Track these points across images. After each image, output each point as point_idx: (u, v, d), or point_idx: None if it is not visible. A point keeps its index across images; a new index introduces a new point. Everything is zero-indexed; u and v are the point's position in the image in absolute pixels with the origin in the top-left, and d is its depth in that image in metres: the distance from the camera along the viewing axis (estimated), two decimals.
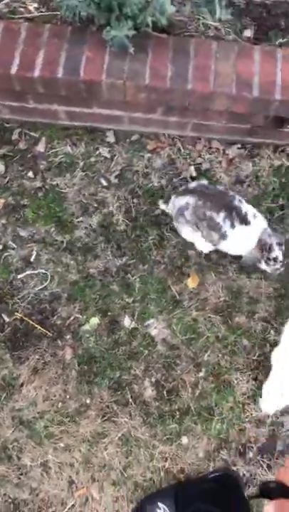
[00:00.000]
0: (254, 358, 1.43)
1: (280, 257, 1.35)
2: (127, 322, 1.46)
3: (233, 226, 1.34)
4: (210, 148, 1.65)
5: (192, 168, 1.63)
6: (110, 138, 1.66)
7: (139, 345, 1.43)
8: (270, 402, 1.33)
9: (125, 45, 1.47)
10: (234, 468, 1.33)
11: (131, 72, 1.47)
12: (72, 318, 1.45)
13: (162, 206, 1.51)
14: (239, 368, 1.42)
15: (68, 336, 1.43)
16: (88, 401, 1.37)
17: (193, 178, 1.62)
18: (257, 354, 1.44)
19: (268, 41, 1.61)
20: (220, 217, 1.33)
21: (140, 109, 1.59)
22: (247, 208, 1.36)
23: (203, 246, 1.49)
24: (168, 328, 1.46)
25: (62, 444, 1.33)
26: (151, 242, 1.54)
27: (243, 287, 1.51)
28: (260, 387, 1.40)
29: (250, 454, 1.35)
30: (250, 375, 1.42)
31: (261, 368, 1.42)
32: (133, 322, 1.46)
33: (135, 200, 1.59)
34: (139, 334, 1.45)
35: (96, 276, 1.50)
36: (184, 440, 1.35)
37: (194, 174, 1.62)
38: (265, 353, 1.43)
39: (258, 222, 1.37)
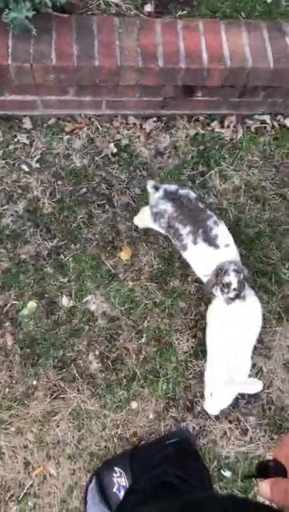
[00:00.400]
0: (191, 317, 1.47)
1: (234, 285, 1.24)
2: (64, 302, 1.45)
3: (195, 242, 1.29)
4: (127, 124, 1.66)
5: (112, 145, 1.63)
6: (27, 124, 1.62)
7: (80, 322, 1.43)
8: (214, 404, 1.31)
9: (27, 28, 1.43)
10: (184, 424, 1.37)
11: (36, 54, 1.44)
12: (9, 305, 1.42)
13: (149, 187, 1.38)
14: (178, 329, 1.46)
15: (7, 323, 1.40)
16: (35, 382, 1.35)
17: (114, 155, 1.62)
18: (193, 314, 1.48)
19: (168, 14, 1.63)
20: (184, 230, 1.29)
21: (52, 91, 1.56)
22: (220, 233, 1.30)
23: (143, 224, 1.48)
24: (106, 302, 1.46)
25: (13, 428, 1.31)
26: (81, 221, 1.54)
27: (174, 253, 1.54)
28: (199, 344, 1.44)
29: (198, 408, 1.39)
30: (189, 333, 1.45)
31: (199, 326, 1.46)
32: (71, 301, 1.45)
33: (59, 182, 1.57)
34: (78, 311, 1.44)
35: (28, 261, 1.47)
36: (134, 405, 1.37)
37: (115, 151, 1.62)
38: (201, 312, 1.48)
39: (228, 252, 1.30)
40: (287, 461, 0.51)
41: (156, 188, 1.34)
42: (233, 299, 1.25)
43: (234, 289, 1.24)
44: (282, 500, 0.49)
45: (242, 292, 1.26)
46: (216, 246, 1.29)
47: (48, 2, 1.45)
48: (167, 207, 1.31)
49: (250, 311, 1.30)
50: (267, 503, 0.54)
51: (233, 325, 1.28)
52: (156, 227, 1.40)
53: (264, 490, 0.51)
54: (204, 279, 1.35)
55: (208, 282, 1.30)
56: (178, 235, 1.32)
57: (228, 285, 1.24)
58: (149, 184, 1.36)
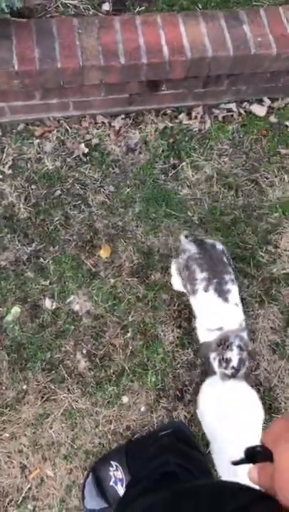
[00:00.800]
0: (174, 308, 1.46)
1: (235, 362, 1.14)
2: (48, 304, 1.43)
3: (206, 289, 1.21)
4: (96, 123, 1.64)
5: (82, 145, 1.61)
6: None
7: (65, 323, 1.41)
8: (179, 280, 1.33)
9: None
10: (176, 414, 1.36)
11: None
12: None
13: (183, 236, 1.35)
14: (163, 320, 1.45)
15: None
16: (25, 387, 1.34)
17: (85, 155, 1.60)
18: (176, 304, 1.47)
19: (126, 11, 1.61)
20: (200, 275, 1.22)
21: (18, 97, 1.53)
22: (234, 291, 1.22)
23: (178, 286, 1.40)
24: (89, 301, 1.45)
25: (6, 434, 1.29)
26: (58, 223, 1.52)
27: (152, 247, 1.53)
28: (184, 333, 1.43)
29: (188, 396, 1.39)
30: (174, 324, 1.45)
31: (183, 316, 1.46)
32: (54, 303, 1.43)
33: (33, 186, 1.55)
34: (63, 312, 1.42)
35: (8, 267, 1.45)
36: (125, 399, 1.36)
37: (86, 151, 1.61)
38: (184, 302, 1.47)
39: (236, 311, 1.22)
40: (274, 446, 0.51)
41: (187, 237, 1.32)
42: (228, 377, 1.16)
43: (233, 367, 1.15)
44: (268, 485, 0.49)
45: (240, 371, 1.16)
46: (226, 300, 1.21)
47: (4, 8, 1.42)
48: (191, 246, 1.27)
49: (245, 397, 1.19)
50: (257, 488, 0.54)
51: (230, 413, 1.15)
52: (175, 271, 1.34)
53: (252, 475, 0.51)
54: (202, 334, 1.26)
55: (207, 345, 1.21)
56: (192, 278, 1.25)
57: (227, 361, 1.15)
58: (183, 234, 1.34)
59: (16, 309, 1.41)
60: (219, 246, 1.29)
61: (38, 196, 1.54)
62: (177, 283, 1.40)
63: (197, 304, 1.27)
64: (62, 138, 1.62)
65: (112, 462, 1.25)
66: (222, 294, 1.21)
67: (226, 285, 1.22)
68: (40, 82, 1.48)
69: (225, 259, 1.27)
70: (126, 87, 1.57)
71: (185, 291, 1.33)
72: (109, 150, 1.63)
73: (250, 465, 0.54)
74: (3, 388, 1.33)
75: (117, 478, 1.23)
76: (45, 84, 1.49)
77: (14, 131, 1.60)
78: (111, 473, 1.23)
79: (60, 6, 1.60)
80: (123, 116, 1.67)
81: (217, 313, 1.22)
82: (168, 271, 1.51)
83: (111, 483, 1.21)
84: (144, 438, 1.30)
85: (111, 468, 1.24)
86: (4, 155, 1.57)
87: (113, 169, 1.62)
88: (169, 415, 1.36)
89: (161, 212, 1.58)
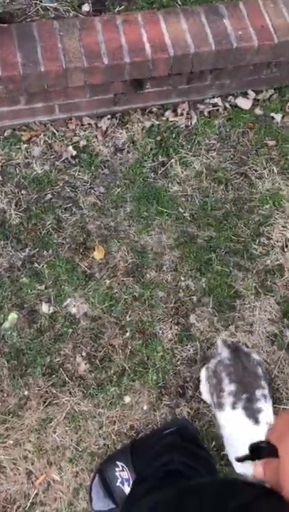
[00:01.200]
0: (171, 305, 1.44)
1: None
2: (45, 309, 1.40)
3: (234, 407, 1.08)
4: (82, 125, 1.61)
5: (70, 148, 1.58)
6: None
7: (63, 327, 1.39)
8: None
9: None
10: (178, 410, 1.34)
11: None
12: None
13: (220, 342, 1.24)
14: (160, 318, 1.43)
15: None
16: (26, 393, 1.31)
17: (74, 158, 1.57)
18: (173, 301, 1.45)
19: (107, 11, 1.58)
20: (228, 386, 1.08)
21: (3, 102, 1.50)
22: (265, 409, 1.08)
23: (206, 396, 1.29)
24: (86, 303, 1.42)
25: (11, 441, 1.26)
26: (50, 227, 1.49)
27: (146, 245, 1.51)
28: (182, 330, 1.41)
29: (190, 392, 1.37)
30: (171, 321, 1.42)
31: (180, 312, 1.43)
32: (51, 307, 1.40)
33: (23, 192, 1.52)
34: (60, 316, 1.40)
35: (3, 274, 1.42)
36: (127, 399, 1.34)
37: (74, 153, 1.58)
38: (180, 298, 1.45)
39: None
40: (279, 442, 0.50)
41: (225, 342, 1.22)
42: None
43: None
44: (274, 480, 0.48)
45: None
46: (256, 421, 1.06)
47: None
48: (224, 351, 1.16)
49: None
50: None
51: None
52: (205, 378, 1.23)
53: (257, 471, 0.51)
54: (237, 468, 1.08)
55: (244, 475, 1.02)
56: (219, 388, 1.12)
57: None
58: (221, 337, 1.23)
59: (12, 316, 1.38)
60: (255, 356, 1.17)
61: (28, 201, 1.51)
62: (205, 391, 1.27)
63: (224, 421, 1.13)
64: (49, 141, 1.58)
65: (117, 462, 1.23)
66: (252, 414, 1.07)
67: (256, 403, 1.07)
68: (25, 86, 1.45)
69: (260, 372, 1.13)
70: (110, 87, 1.54)
71: (211, 402, 1.20)
72: (97, 151, 1.60)
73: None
74: (5, 395, 1.30)
75: (124, 478, 1.20)
76: (30, 88, 1.46)
77: (1, 137, 1.57)
78: (117, 474, 1.21)
79: (40, 9, 1.57)
80: (109, 116, 1.64)
81: (246, 436, 1.05)
82: (162, 268, 1.49)
83: (118, 483, 1.19)
84: (148, 437, 1.28)
85: (117, 469, 1.21)
86: None
87: (102, 170, 1.59)
88: (172, 412, 1.34)
89: (152, 210, 1.56)
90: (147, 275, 1.48)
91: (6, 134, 1.58)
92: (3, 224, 1.47)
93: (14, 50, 1.44)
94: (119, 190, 1.57)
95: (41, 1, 1.57)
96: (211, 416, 1.35)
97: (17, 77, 1.41)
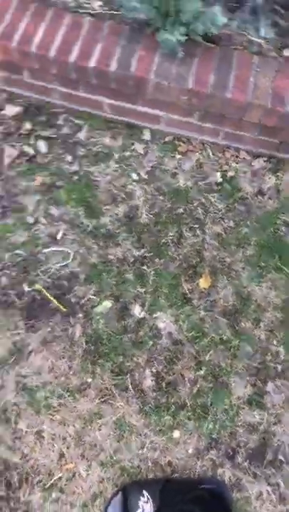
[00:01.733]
0: (254, 364, 1.34)
1: None
2: (137, 311, 1.38)
3: None
4: (237, 157, 1.58)
5: (218, 174, 1.56)
6: (146, 136, 1.60)
7: (145, 335, 1.36)
8: None
9: (175, 50, 1.42)
10: (221, 471, 1.23)
11: (177, 75, 1.42)
12: (86, 298, 1.39)
13: None
14: (238, 372, 1.34)
15: (80, 315, 1.37)
16: (90, 380, 1.30)
17: (217, 184, 1.55)
18: (258, 361, 1.35)
19: None
20: None
21: (179, 111, 1.52)
22: None
23: None
24: (175, 323, 1.38)
25: (58, 417, 1.26)
26: (170, 239, 1.47)
27: (252, 295, 1.43)
28: (256, 394, 1.31)
29: (239, 459, 1.26)
30: (248, 380, 1.33)
31: (259, 375, 1.33)
32: (143, 312, 1.38)
33: (161, 197, 1.52)
34: (147, 324, 1.37)
35: (114, 262, 1.43)
36: (176, 434, 1.27)
37: (220, 180, 1.55)
38: (265, 362, 1.34)
39: None
40: None
41: None
42: None
43: None
44: None
45: None
46: None
47: (200, 31, 1.42)
48: None
49: None
50: None
51: None
52: None
53: None
54: None
55: None
56: None
57: None
58: None
59: (107, 303, 1.38)
60: None
61: (162, 207, 1.51)
62: None
63: None
64: (202, 161, 1.58)
65: (144, 492, 1.16)
66: None
67: None
68: (206, 105, 1.46)
69: None
70: (280, 133, 1.50)
71: None
72: (241, 186, 1.56)
73: None
74: (71, 373, 1.31)
75: (145, 510, 1.13)
76: (209, 108, 1.47)
77: (162, 141, 1.60)
78: (140, 504, 1.14)
79: (245, 40, 1.57)
80: (265, 158, 1.59)
81: None
82: (260, 324, 1.40)
83: None
84: (184, 481, 1.20)
85: (142, 498, 1.15)
86: (146, 160, 1.56)
87: (239, 206, 1.54)
88: (213, 469, 1.24)
89: (271, 263, 1.47)
90: (242, 324, 1.39)
91: (166, 139, 1.60)
92: (132, 219, 1.49)
93: (210, 70, 1.45)
94: (247, 230, 1.51)
95: (249, 34, 1.58)
96: (251, 492, 1.23)
97: (204, 94, 1.43)
